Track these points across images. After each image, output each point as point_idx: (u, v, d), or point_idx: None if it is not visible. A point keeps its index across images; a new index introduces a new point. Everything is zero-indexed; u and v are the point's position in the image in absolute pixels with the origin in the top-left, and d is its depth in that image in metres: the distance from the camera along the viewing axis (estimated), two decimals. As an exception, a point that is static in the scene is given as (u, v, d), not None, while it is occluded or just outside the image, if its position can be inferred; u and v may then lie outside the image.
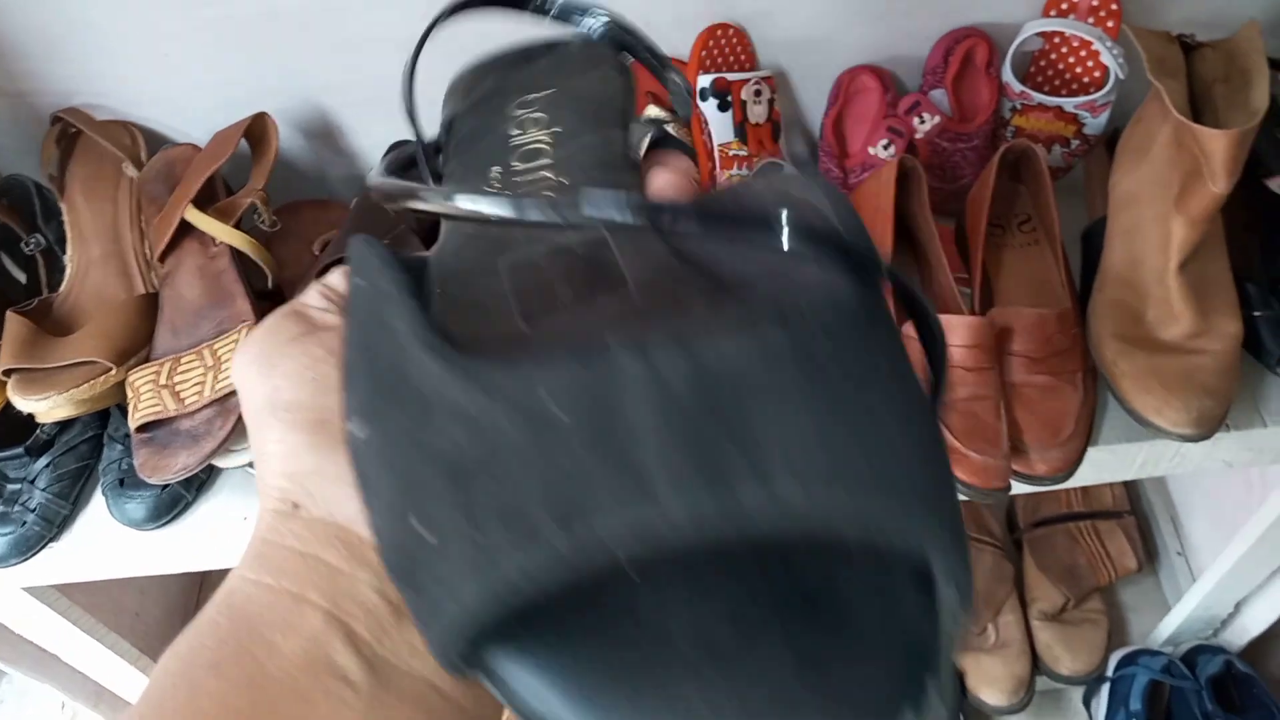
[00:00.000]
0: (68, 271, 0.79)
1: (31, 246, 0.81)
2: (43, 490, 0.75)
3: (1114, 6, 0.79)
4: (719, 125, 0.81)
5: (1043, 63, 0.84)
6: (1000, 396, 0.69)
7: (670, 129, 0.31)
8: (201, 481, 0.76)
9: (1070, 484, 0.71)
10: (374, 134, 0.87)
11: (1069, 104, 0.81)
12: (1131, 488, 1.27)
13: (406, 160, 0.32)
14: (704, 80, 0.80)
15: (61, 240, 0.81)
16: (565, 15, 0.34)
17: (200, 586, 1.26)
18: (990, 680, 1.12)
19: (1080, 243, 0.82)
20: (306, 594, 0.22)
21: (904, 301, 0.23)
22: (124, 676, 1.02)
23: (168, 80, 0.82)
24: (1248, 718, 1.04)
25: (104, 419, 0.78)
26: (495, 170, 0.30)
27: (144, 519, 0.73)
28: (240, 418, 0.69)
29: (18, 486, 0.75)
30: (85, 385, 0.71)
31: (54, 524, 0.75)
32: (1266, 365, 0.74)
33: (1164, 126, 0.73)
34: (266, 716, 0.21)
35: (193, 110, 0.84)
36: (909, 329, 0.24)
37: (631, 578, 0.19)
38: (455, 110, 0.33)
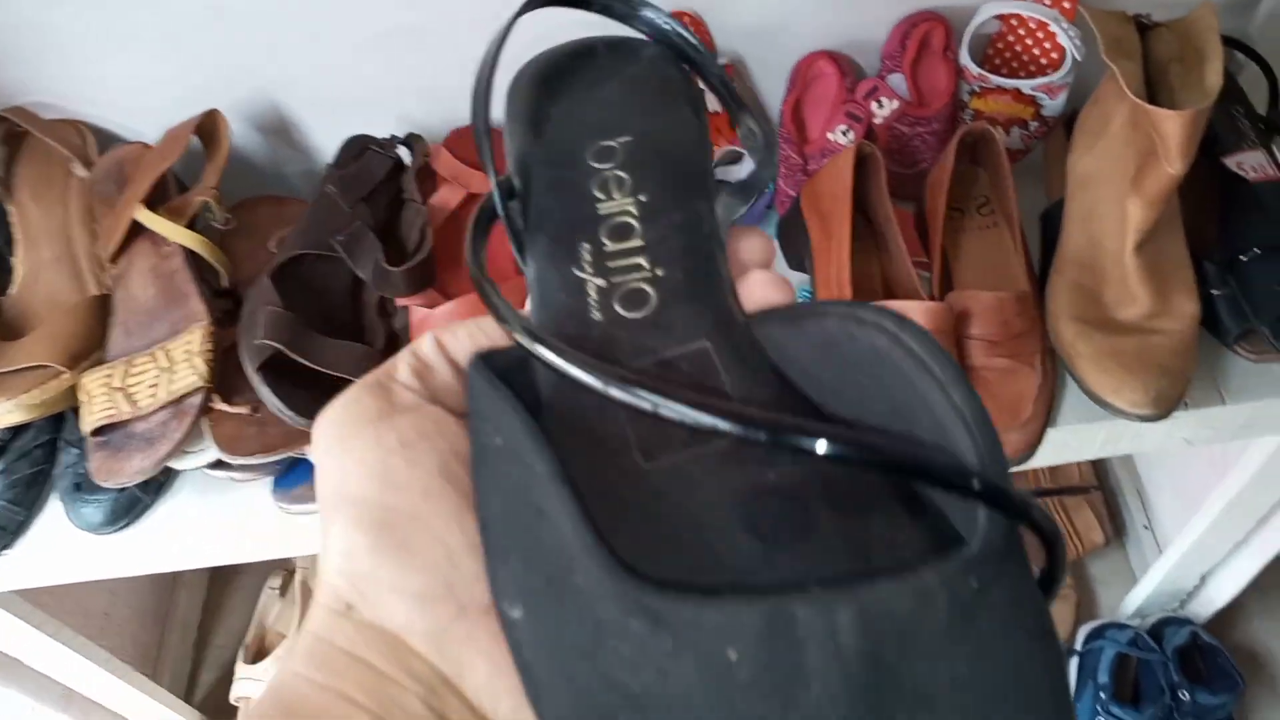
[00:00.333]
0: (17, 274, 0.78)
1: (-21, 250, 0.80)
2: (-3, 497, 0.74)
3: (1070, -13, 0.79)
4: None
5: (1000, 45, 0.83)
6: (960, 381, 0.69)
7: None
8: (160, 483, 0.75)
9: (1032, 465, 0.72)
10: (329, 129, 0.86)
11: (1027, 86, 0.80)
12: (1099, 464, 1.29)
13: (489, 214, 0.30)
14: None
15: (9, 243, 0.79)
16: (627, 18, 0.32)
17: (173, 587, 1.25)
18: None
19: (1039, 224, 0.82)
20: (355, 696, 0.23)
21: (1022, 518, 0.23)
22: (93, 679, 1.01)
23: (116, 78, 0.80)
24: (1213, 687, 1.06)
25: (58, 423, 0.77)
26: (586, 248, 0.29)
27: (102, 523, 0.73)
28: (195, 419, 0.68)
29: (-29, 494, 0.74)
30: (37, 390, 0.70)
31: (9, 531, 0.74)
32: (1225, 343, 0.74)
33: (1120, 108, 0.73)
34: None
35: (143, 108, 0.82)
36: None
37: None
38: (524, 148, 0.31)
